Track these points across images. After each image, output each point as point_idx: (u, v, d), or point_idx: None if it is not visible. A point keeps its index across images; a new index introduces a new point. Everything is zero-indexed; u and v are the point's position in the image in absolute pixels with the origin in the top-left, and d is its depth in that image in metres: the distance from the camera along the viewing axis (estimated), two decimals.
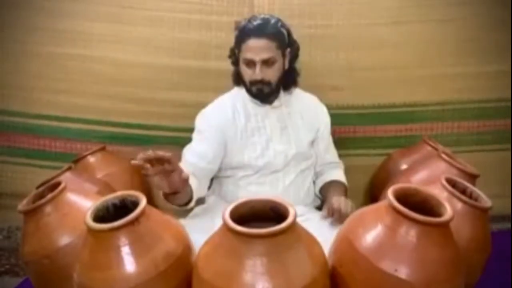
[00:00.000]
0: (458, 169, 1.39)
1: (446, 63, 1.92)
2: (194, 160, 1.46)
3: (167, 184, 1.18)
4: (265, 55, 1.41)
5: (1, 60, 1.93)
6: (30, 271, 1.19)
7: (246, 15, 1.79)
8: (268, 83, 1.45)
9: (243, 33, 1.44)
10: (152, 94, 1.92)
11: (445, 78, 1.93)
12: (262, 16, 1.46)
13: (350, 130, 1.93)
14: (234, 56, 1.52)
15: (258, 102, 1.52)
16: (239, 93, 1.56)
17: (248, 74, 1.46)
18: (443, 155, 1.45)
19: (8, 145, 2.00)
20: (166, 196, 1.28)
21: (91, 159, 1.78)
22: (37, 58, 1.92)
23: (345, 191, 1.58)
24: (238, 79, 1.54)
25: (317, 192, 1.62)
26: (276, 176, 1.52)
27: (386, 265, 0.90)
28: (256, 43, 1.41)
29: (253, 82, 1.45)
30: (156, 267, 0.91)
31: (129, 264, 0.90)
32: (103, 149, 1.84)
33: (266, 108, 1.53)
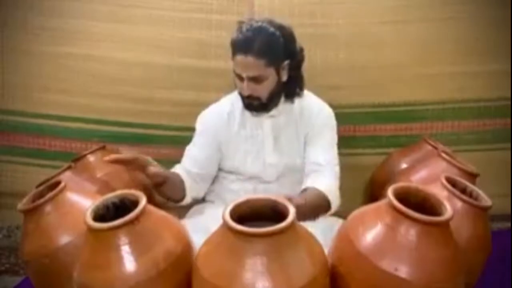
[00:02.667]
0: (458, 168, 1.39)
1: (446, 62, 1.91)
2: (187, 165, 1.48)
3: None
4: (251, 73, 1.33)
5: (1, 60, 1.93)
6: (30, 270, 1.19)
7: (247, 14, 1.79)
8: (258, 99, 1.39)
9: (233, 46, 1.36)
10: (152, 93, 1.91)
11: (445, 77, 1.92)
12: (255, 25, 1.35)
13: (350, 129, 1.93)
14: None
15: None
16: (239, 96, 1.52)
17: (239, 86, 1.41)
18: (443, 154, 1.45)
19: (8, 145, 2.00)
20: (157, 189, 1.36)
21: (91, 158, 1.77)
22: (37, 57, 1.92)
23: (317, 196, 1.35)
24: None
25: None
26: (269, 187, 1.48)
27: (386, 264, 0.90)
28: (242, 60, 1.33)
29: (243, 95, 1.42)
30: (156, 266, 0.91)
31: (129, 263, 0.90)
32: (103, 148, 1.83)
33: (263, 116, 1.47)
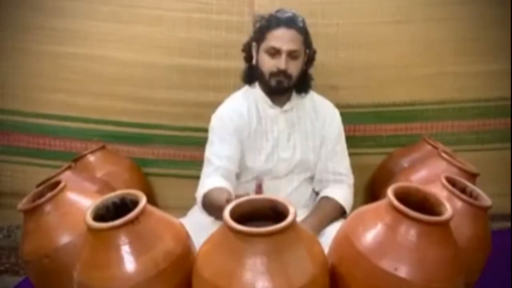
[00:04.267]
0: (458, 168, 1.39)
1: (446, 62, 1.91)
2: (223, 163, 1.41)
3: None
4: (292, 46, 1.39)
5: (1, 59, 1.93)
6: (30, 270, 1.19)
7: (247, 14, 1.79)
8: (290, 77, 1.42)
9: (272, 22, 1.41)
10: (152, 93, 1.91)
11: (445, 77, 1.92)
12: (289, 11, 1.45)
13: (350, 129, 1.92)
14: (249, 51, 1.49)
15: (269, 102, 1.48)
16: (251, 92, 1.52)
17: (269, 64, 1.42)
18: (443, 154, 1.46)
19: (8, 144, 2.00)
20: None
21: (91, 158, 1.78)
22: (37, 57, 1.92)
23: (335, 211, 1.45)
24: (250, 77, 1.51)
25: None
26: (278, 183, 1.49)
27: (386, 264, 0.90)
28: (285, 33, 1.39)
29: (274, 73, 1.41)
30: (156, 266, 0.91)
31: (129, 263, 0.90)
32: (102, 148, 1.84)
33: (277, 111, 1.49)
